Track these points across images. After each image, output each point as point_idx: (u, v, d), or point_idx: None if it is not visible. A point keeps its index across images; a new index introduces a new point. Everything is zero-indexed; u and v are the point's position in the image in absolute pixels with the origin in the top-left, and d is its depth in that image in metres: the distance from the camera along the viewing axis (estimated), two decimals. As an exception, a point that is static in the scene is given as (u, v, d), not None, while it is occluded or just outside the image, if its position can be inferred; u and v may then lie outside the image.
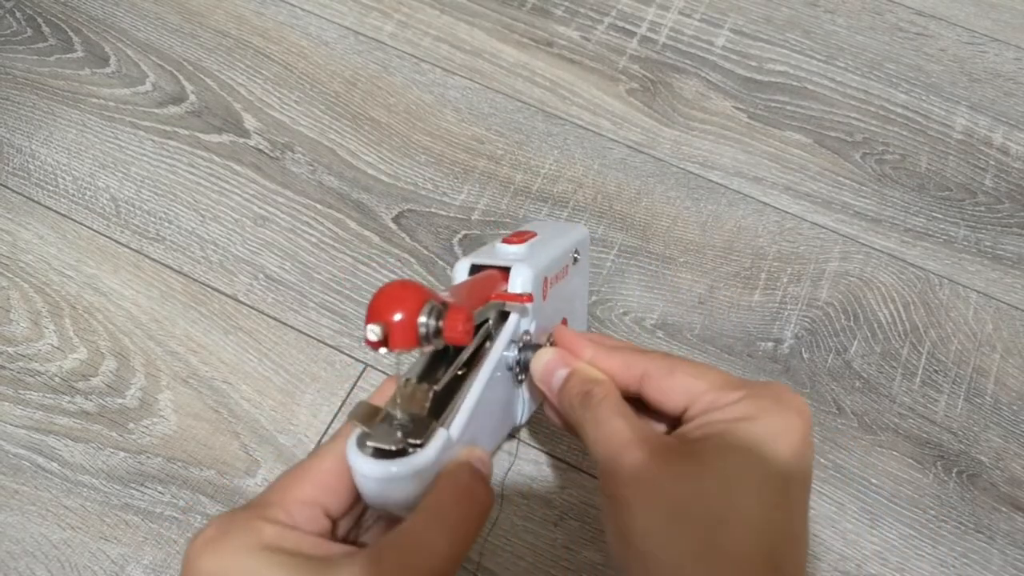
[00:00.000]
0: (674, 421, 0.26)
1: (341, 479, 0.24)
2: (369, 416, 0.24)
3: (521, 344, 0.30)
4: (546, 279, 0.32)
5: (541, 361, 0.29)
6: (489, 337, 0.29)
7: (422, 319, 0.22)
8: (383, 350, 0.22)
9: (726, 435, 0.23)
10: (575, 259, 0.35)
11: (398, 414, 0.24)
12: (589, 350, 0.28)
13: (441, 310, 0.23)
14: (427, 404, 0.25)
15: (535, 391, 0.31)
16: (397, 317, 0.22)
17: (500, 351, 0.29)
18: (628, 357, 0.27)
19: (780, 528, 0.22)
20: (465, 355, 0.28)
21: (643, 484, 0.23)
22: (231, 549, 0.21)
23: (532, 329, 0.31)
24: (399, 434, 0.24)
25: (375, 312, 0.23)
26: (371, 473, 0.23)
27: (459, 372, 0.28)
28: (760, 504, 0.22)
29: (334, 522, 0.24)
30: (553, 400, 0.28)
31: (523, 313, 0.30)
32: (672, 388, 0.25)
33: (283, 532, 0.22)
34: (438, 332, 0.23)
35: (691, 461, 0.23)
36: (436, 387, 0.26)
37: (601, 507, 0.25)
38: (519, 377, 0.31)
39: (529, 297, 0.30)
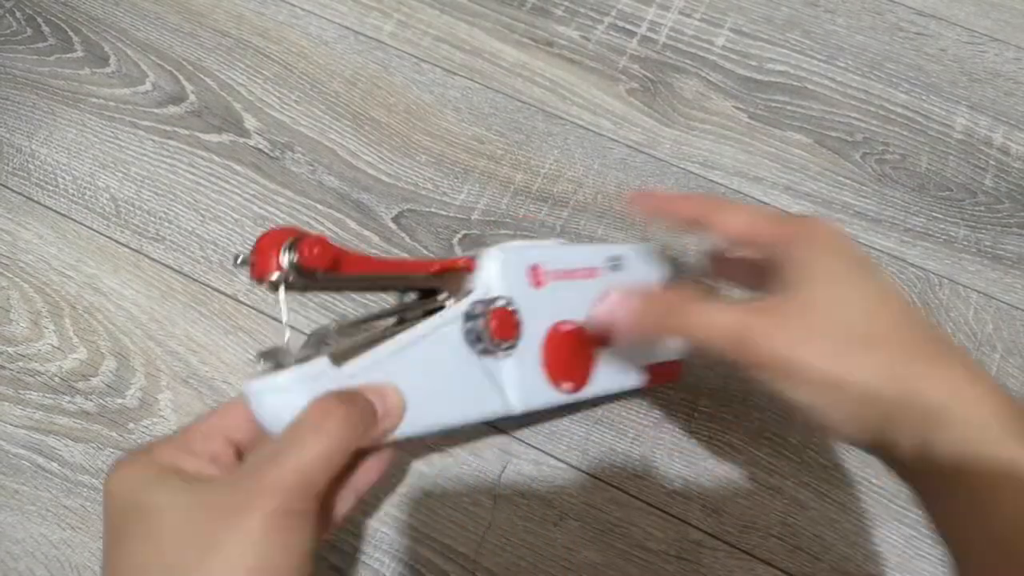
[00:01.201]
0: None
1: (242, 410, 0.26)
2: (277, 353, 0.26)
3: (481, 315, 0.29)
4: (537, 267, 0.32)
5: (602, 308, 0.31)
6: (437, 311, 0.30)
7: (283, 248, 0.25)
8: (255, 282, 0.25)
9: (804, 263, 0.26)
10: (613, 266, 0.35)
11: (305, 353, 0.26)
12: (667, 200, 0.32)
13: (300, 239, 0.25)
14: (329, 342, 0.27)
15: (537, 385, 0.31)
16: (261, 244, 0.25)
17: (445, 315, 0.29)
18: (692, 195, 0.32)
19: (887, 300, 0.26)
20: (397, 316, 0.30)
21: (779, 341, 0.25)
22: (131, 469, 0.24)
23: (509, 306, 0.30)
24: (291, 362, 0.25)
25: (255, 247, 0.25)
26: (245, 390, 0.25)
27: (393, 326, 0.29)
28: (862, 293, 0.26)
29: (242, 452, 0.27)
30: (632, 333, 0.30)
31: (480, 285, 0.30)
32: (732, 218, 0.29)
33: (179, 455, 0.25)
34: (297, 262, 0.25)
35: (795, 298, 0.26)
36: (337, 321, 0.28)
37: (751, 378, 0.27)
38: (482, 349, 0.30)
39: (467, 261, 0.31)
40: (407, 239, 0.45)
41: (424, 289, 0.31)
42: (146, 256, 0.44)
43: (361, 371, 0.26)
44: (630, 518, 0.38)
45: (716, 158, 0.48)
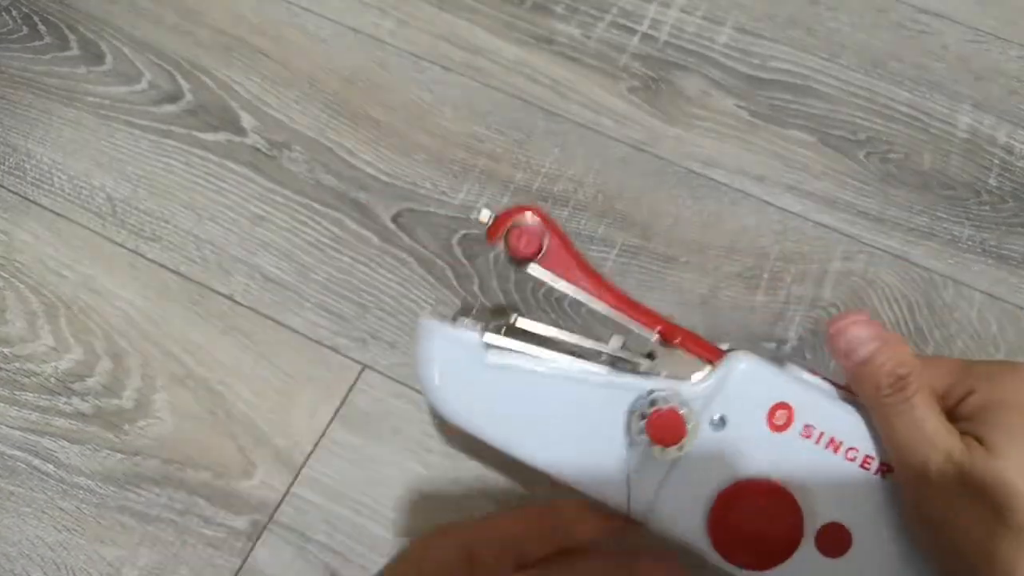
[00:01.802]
0: None
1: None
2: (467, 311, 0.29)
3: (653, 406, 0.26)
4: (786, 407, 0.26)
5: (846, 322, 0.26)
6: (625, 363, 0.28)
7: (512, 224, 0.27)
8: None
9: (1006, 428, 0.23)
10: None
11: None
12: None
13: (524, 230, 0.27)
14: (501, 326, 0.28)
15: (687, 521, 0.26)
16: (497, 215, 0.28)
17: (629, 378, 0.27)
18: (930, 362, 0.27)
19: None
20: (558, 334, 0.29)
21: (940, 496, 0.23)
22: None
23: (685, 411, 0.26)
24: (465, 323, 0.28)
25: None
26: (421, 322, 0.28)
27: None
28: None
29: None
30: (850, 371, 0.26)
31: (705, 381, 0.26)
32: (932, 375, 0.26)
33: None
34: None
35: (967, 477, 0.23)
36: (516, 315, 0.28)
37: (910, 505, 0.25)
38: (635, 439, 0.26)
39: (714, 351, 0.27)
40: (406, 238, 0.44)
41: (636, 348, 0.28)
42: (142, 256, 0.43)
43: (504, 366, 0.26)
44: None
45: (718, 156, 0.48)
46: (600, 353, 0.28)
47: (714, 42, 0.52)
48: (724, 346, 0.28)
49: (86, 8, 0.51)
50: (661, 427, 0.25)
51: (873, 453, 0.26)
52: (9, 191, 0.45)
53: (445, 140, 0.48)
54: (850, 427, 0.26)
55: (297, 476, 0.38)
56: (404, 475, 0.39)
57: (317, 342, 0.41)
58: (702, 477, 0.26)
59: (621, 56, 0.51)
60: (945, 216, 0.47)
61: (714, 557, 0.27)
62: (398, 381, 0.41)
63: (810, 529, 0.26)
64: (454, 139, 0.48)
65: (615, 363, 0.28)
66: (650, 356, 0.28)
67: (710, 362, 0.27)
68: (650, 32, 0.52)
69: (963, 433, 0.24)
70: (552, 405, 0.26)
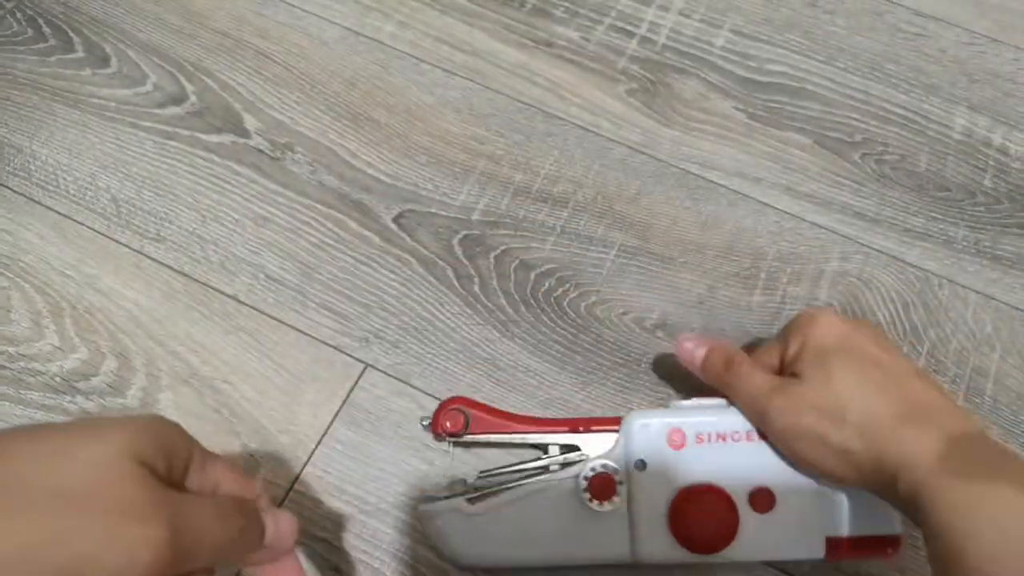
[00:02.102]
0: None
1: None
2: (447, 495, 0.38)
3: (587, 479, 0.35)
4: (677, 431, 0.35)
5: (685, 345, 0.37)
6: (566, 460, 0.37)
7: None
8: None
9: (807, 361, 0.33)
10: None
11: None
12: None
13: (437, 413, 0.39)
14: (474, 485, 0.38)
15: (659, 540, 0.34)
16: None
17: (571, 470, 0.36)
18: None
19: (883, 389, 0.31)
20: (528, 466, 0.37)
21: (782, 415, 0.32)
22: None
23: (616, 474, 0.35)
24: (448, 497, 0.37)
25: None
26: (420, 508, 0.37)
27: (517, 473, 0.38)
28: (856, 384, 0.31)
29: None
30: (698, 372, 0.37)
31: (619, 446, 0.36)
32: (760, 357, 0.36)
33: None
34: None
35: (809, 384, 0.32)
36: (481, 474, 0.38)
37: (761, 432, 0.34)
38: (588, 506, 0.35)
39: (614, 421, 0.36)
40: (407, 239, 0.45)
41: (568, 445, 0.37)
42: (147, 256, 0.44)
43: (486, 519, 0.35)
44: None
45: (715, 159, 0.48)
46: (546, 466, 0.37)
47: (712, 45, 0.53)
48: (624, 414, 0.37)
49: (90, 11, 0.52)
50: (599, 488, 0.35)
51: (751, 429, 0.35)
52: (15, 192, 0.45)
53: (446, 142, 0.48)
54: (727, 420, 0.35)
55: (300, 474, 0.39)
56: (406, 472, 0.39)
57: (320, 341, 0.42)
58: (651, 505, 0.34)
59: (620, 59, 0.52)
60: (940, 217, 0.47)
61: (689, 556, 0.34)
62: (400, 380, 0.41)
63: (742, 500, 0.34)
64: (455, 141, 0.48)
65: (560, 466, 0.36)
66: (576, 449, 0.37)
67: (616, 430, 0.36)
68: (648, 35, 0.53)
69: (790, 375, 0.33)
70: (530, 513, 0.35)
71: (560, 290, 0.44)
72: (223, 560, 0.25)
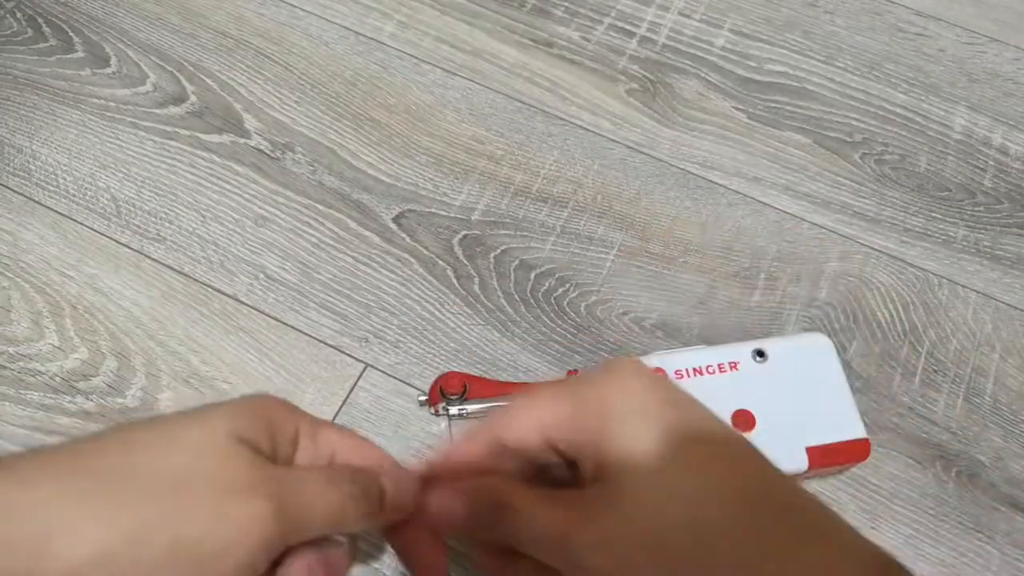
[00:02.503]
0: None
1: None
2: None
3: None
4: (659, 369, 0.38)
5: (435, 505, 0.26)
6: None
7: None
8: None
9: (616, 445, 0.23)
10: (758, 359, 0.39)
11: None
12: (445, 459, 0.27)
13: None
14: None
15: None
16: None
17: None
18: (475, 436, 0.26)
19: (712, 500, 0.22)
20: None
21: (604, 559, 0.22)
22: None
23: None
24: None
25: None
26: None
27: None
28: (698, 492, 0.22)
29: None
30: (466, 534, 0.27)
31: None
32: (521, 434, 0.25)
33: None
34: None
35: (614, 492, 0.23)
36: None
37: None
38: None
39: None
40: (407, 239, 0.45)
41: None
42: (147, 256, 0.44)
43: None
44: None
45: (715, 158, 0.48)
46: None
47: (712, 45, 0.53)
48: None
49: (90, 11, 0.52)
50: None
51: (722, 360, 0.38)
52: (15, 192, 0.45)
53: (446, 142, 0.48)
54: (702, 357, 0.39)
55: (300, 473, 0.39)
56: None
57: (320, 341, 0.42)
58: None
59: (620, 59, 0.52)
60: (940, 217, 0.47)
61: None
62: (400, 380, 0.41)
63: (726, 422, 0.35)
64: (455, 141, 0.48)
65: None
66: None
67: None
68: (648, 35, 0.53)
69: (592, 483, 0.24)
70: None
71: (560, 290, 0.44)
72: (345, 527, 0.24)
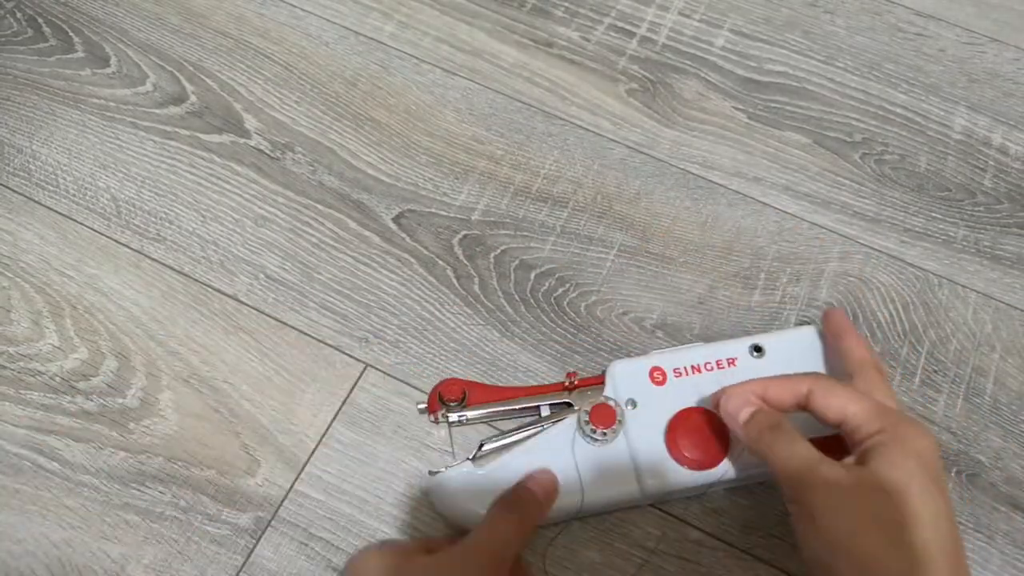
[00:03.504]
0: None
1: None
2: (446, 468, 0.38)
3: (587, 428, 0.37)
4: (657, 369, 0.38)
5: (730, 402, 0.34)
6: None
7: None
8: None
9: (876, 465, 0.30)
10: (755, 355, 0.39)
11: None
12: (762, 385, 0.34)
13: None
14: (477, 451, 0.38)
15: (662, 466, 0.36)
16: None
17: (567, 420, 0.38)
18: (792, 382, 0.34)
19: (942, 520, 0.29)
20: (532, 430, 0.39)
21: (832, 492, 0.29)
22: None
23: (609, 401, 0.37)
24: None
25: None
26: (425, 485, 0.39)
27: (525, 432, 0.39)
28: (916, 510, 0.29)
29: None
30: (740, 433, 0.34)
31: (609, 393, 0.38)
32: (830, 406, 0.32)
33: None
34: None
35: (862, 480, 0.30)
36: (484, 440, 0.39)
37: (794, 513, 0.31)
38: (589, 437, 0.37)
39: (600, 378, 0.39)
40: (407, 239, 0.45)
41: (560, 404, 0.39)
42: (147, 256, 0.44)
43: (494, 470, 0.36)
44: (630, 518, 0.38)
45: (715, 158, 0.48)
46: (545, 418, 0.39)
47: (712, 45, 0.53)
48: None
49: (90, 11, 0.52)
50: (600, 416, 0.37)
51: (720, 358, 0.38)
52: (15, 192, 0.45)
53: (446, 142, 0.48)
54: (699, 355, 0.39)
55: (300, 473, 0.39)
56: (405, 472, 0.39)
57: (320, 341, 0.42)
58: (648, 438, 0.37)
59: (620, 59, 0.52)
60: (940, 217, 0.47)
61: (693, 476, 0.36)
62: (400, 380, 0.41)
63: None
64: (455, 141, 0.48)
65: (552, 421, 0.39)
66: (569, 406, 0.39)
67: (602, 384, 0.39)
68: (648, 35, 0.53)
69: (863, 454, 0.31)
70: (536, 458, 0.37)
71: (560, 290, 0.44)
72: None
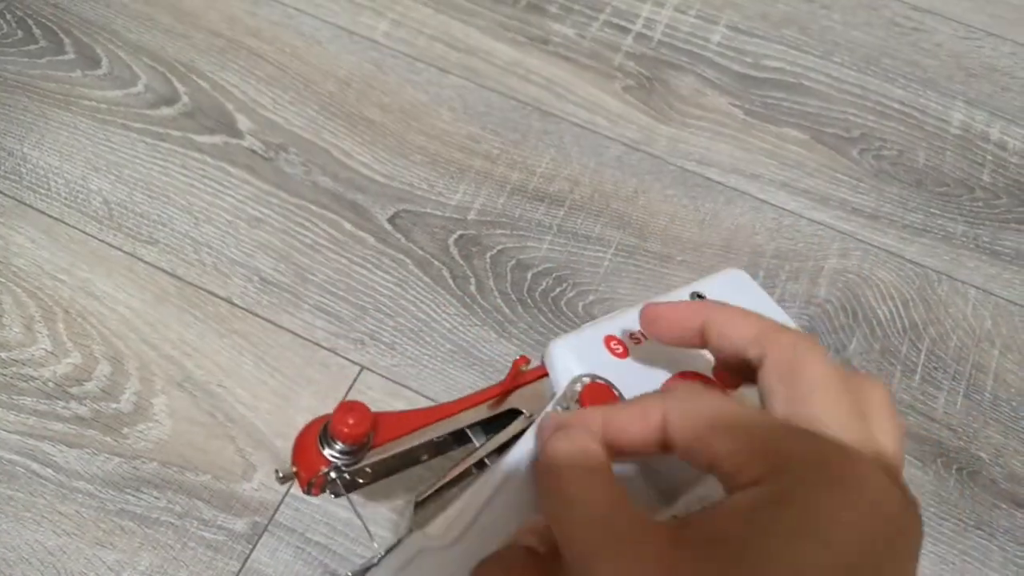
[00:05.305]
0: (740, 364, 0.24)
1: None
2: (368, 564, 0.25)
3: (570, 404, 0.27)
4: (611, 338, 0.29)
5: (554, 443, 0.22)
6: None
7: (319, 439, 0.25)
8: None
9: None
10: (695, 296, 0.31)
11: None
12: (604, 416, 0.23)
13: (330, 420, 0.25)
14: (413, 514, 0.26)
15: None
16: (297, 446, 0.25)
17: (525, 438, 0.26)
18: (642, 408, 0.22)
19: None
20: (475, 456, 0.29)
21: None
22: None
23: (597, 379, 0.28)
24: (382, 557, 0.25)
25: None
26: None
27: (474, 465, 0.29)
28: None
29: None
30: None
31: (561, 383, 0.28)
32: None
33: None
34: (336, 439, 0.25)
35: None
36: (418, 498, 0.27)
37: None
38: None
39: (537, 371, 0.30)
40: (403, 240, 0.44)
41: (498, 419, 0.30)
42: (139, 259, 0.43)
43: (451, 527, 0.25)
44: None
45: (712, 155, 0.48)
46: (501, 441, 0.29)
47: (708, 41, 0.52)
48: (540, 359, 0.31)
49: (81, 12, 0.51)
50: (592, 398, 0.27)
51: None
52: (5, 195, 0.45)
53: (441, 141, 0.48)
54: (633, 319, 0.30)
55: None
56: (402, 476, 0.39)
57: (315, 344, 0.42)
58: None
59: (615, 55, 0.51)
60: (939, 212, 0.47)
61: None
62: (396, 382, 0.41)
63: (727, 379, 0.29)
64: (450, 140, 0.48)
65: (512, 437, 0.29)
66: (518, 413, 0.30)
67: (545, 375, 0.30)
68: (644, 31, 0.52)
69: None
70: (513, 498, 0.26)
71: (557, 290, 0.44)
72: None
